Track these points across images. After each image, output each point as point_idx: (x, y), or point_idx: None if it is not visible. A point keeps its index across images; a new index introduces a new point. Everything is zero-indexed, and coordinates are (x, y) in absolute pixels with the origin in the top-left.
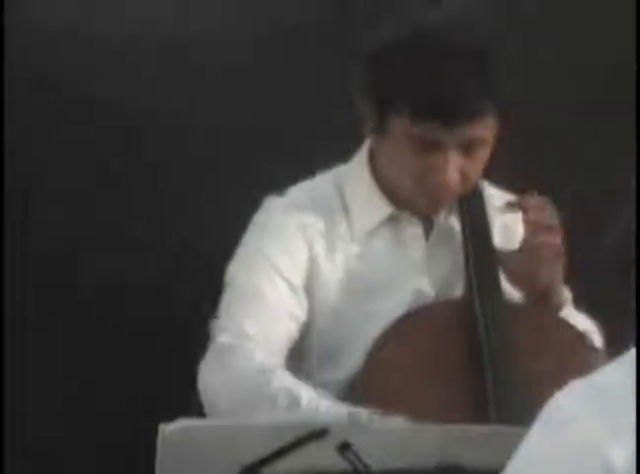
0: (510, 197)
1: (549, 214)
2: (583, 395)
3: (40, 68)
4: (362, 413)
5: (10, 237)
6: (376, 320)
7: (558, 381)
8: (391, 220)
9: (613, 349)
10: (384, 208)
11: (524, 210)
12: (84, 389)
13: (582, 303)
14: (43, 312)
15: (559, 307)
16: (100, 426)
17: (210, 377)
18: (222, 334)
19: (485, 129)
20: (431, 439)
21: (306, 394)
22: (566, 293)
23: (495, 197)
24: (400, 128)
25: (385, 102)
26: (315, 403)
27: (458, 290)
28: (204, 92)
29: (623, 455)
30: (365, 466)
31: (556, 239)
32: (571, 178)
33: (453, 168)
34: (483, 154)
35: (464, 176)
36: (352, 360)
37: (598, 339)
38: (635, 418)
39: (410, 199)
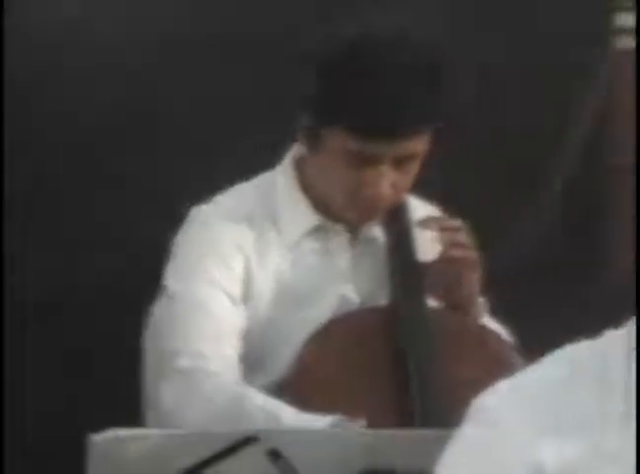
0: (429, 209)
1: (462, 234)
2: (507, 395)
3: None
4: (345, 422)
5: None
6: (304, 327)
7: (483, 386)
8: (318, 230)
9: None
10: (311, 218)
11: (438, 230)
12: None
13: (494, 312)
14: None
15: (477, 318)
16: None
17: (180, 403)
18: (179, 357)
19: (420, 144)
20: (360, 444)
21: (285, 410)
22: (482, 304)
23: (417, 207)
24: (336, 142)
25: (323, 115)
26: (296, 417)
27: (383, 299)
28: (137, 92)
29: (553, 453)
30: (294, 472)
31: (471, 253)
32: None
33: (387, 182)
34: (414, 167)
35: (395, 189)
36: (279, 366)
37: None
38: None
39: (340, 211)
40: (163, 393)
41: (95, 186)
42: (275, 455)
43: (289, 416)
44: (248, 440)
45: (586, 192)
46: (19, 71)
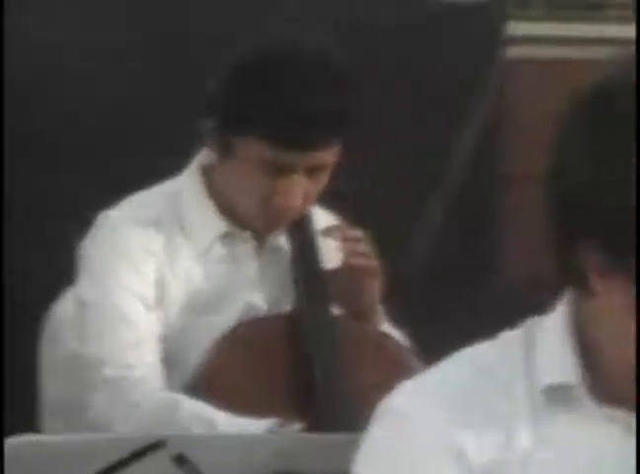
0: (331, 218)
1: (363, 244)
2: (413, 394)
3: None
4: (281, 426)
5: None
6: (212, 332)
7: (386, 389)
8: (226, 237)
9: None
10: (219, 224)
11: (340, 239)
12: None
13: (390, 317)
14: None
15: (378, 324)
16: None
17: (109, 413)
18: (105, 367)
19: (331, 154)
20: (269, 448)
21: (218, 415)
22: (381, 310)
23: (320, 216)
24: (250, 151)
25: (235, 124)
26: (231, 422)
27: (289, 306)
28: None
29: (472, 441)
30: None
31: (371, 262)
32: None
33: (299, 191)
34: (323, 178)
35: (306, 198)
36: (185, 372)
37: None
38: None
39: (248, 219)
40: (91, 403)
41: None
42: (180, 460)
43: (224, 421)
44: (155, 445)
45: (476, 198)
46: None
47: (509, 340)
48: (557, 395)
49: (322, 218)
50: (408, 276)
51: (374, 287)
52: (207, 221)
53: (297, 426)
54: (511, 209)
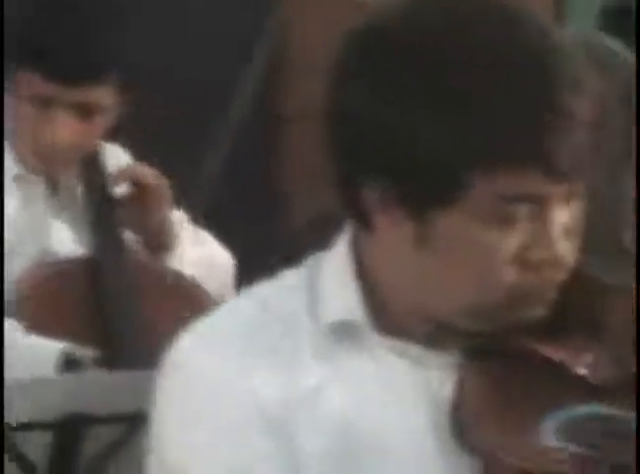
0: (123, 156)
1: (150, 174)
2: (201, 335)
3: None
4: (77, 349)
5: None
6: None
7: (180, 325)
8: (19, 180)
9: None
10: (11, 168)
11: (129, 173)
12: None
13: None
14: None
15: (173, 244)
16: None
17: None
18: None
19: (103, 95)
20: (60, 389)
21: (20, 332)
22: (179, 220)
23: (112, 154)
24: (22, 86)
25: (8, 53)
26: (30, 340)
27: (85, 247)
28: None
29: (260, 383)
30: None
31: (158, 181)
32: None
33: (63, 128)
34: (100, 121)
35: (82, 138)
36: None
37: (226, 256)
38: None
39: (25, 158)
40: None
41: None
42: None
43: (23, 338)
44: None
45: (258, 135)
46: None
47: (294, 277)
48: (342, 331)
49: (114, 156)
50: (199, 206)
51: (164, 209)
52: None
53: (90, 352)
54: (295, 148)
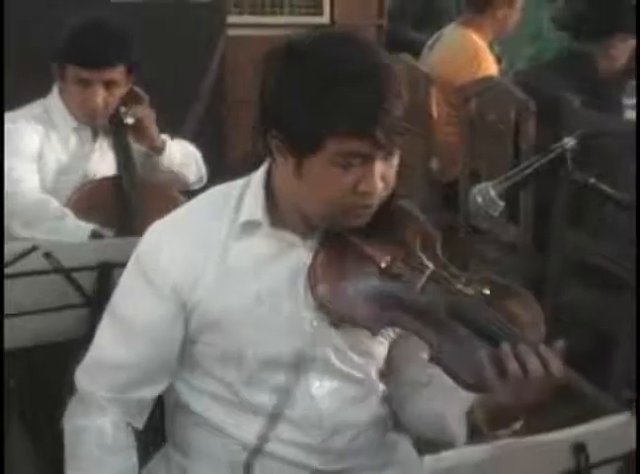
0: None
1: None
2: (164, 221)
3: None
4: (101, 230)
5: None
6: (66, 187)
7: (162, 216)
8: (75, 130)
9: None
10: (71, 123)
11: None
12: None
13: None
14: None
15: (164, 147)
16: None
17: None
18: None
19: (118, 73)
20: (92, 247)
21: (71, 218)
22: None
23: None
24: (69, 73)
25: (58, 54)
26: (75, 221)
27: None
28: None
29: (193, 279)
30: (59, 264)
31: (148, 112)
32: None
33: (100, 96)
34: (118, 90)
35: (107, 101)
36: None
37: (195, 150)
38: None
39: (77, 117)
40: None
41: None
42: (48, 256)
43: (72, 219)
44: (31, 249)
45: (216, 112)
46: None
47: (237, 184)
48: (249, 226)
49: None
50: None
51: (153, 128)
52: (64, 120)
53: (110, 232)
54: (235, 115)
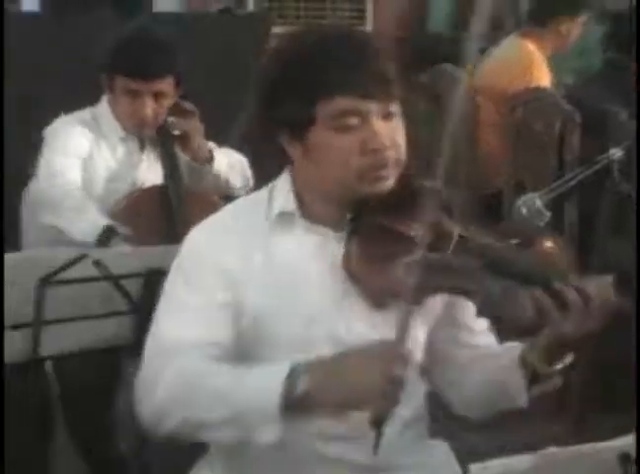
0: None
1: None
2: (204, 224)
3: None
4: (120, 231)
5: None
6: (114, 193)
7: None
8: (124, 140)
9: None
10: (120, 133)
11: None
12: None
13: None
14: None
15: (212, 157)
16: None
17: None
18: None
19: (166, 85)
20: (143, 255)
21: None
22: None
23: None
24: (118, 84)
25: (108, 67)
26: (94, 217)
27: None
28: None
29: (235, 262)
30: (108, 271)
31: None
32: None
33: (149, 108)
34: (166, 101)
35: (156, 112)
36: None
37: (242, 158)
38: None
39: (126, 127)
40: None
41: None
42: (97, 264)
43: (92, 214)
44: (82, 256)
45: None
46: None
47: (264, 189)
48: (284, 221)
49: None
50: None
51: (199, 137)
52: (112, 130)
53: (125, 231)
54: None
